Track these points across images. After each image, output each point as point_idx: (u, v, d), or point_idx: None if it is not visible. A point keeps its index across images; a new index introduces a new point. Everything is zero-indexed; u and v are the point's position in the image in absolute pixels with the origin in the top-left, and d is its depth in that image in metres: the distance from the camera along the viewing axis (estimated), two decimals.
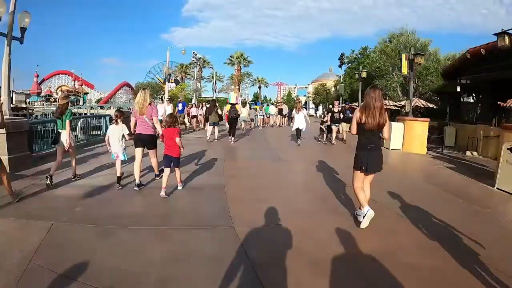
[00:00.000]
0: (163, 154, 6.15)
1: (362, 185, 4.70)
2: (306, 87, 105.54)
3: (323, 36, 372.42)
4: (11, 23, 7.87)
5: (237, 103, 16.34)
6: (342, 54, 54.04)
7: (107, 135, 6.63)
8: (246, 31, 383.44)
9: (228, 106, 15.26)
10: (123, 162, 6.64)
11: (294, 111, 15.56)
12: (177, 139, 6.01)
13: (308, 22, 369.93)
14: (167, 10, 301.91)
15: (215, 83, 68.25)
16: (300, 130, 14.20)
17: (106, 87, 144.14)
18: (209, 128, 14.82)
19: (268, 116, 27.97)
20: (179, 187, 6.44)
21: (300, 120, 14.11)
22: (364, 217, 4.53)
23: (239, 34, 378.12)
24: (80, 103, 73.01)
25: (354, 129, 4.63)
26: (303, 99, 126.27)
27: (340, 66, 44.92)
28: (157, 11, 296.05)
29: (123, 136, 6.54)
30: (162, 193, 5.86)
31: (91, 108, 53.05)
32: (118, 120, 6.50)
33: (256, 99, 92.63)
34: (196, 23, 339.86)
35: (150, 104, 6.47)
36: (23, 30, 8.34)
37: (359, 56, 46.31)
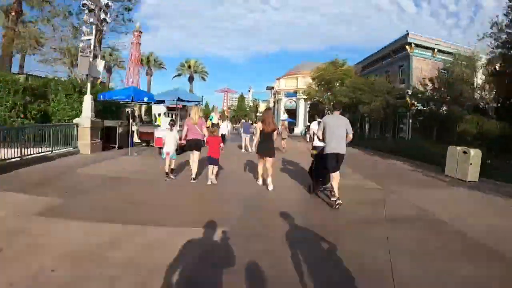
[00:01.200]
0: (208, 156, 8.09)
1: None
2: (271, 88, 67.70)
3: (270, 49, 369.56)
4: None
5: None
6: None
7: (164, 138, 8.93)
8: (193, 41, 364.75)
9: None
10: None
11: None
12: (221, 145, 8.30)
13: (256, 35, 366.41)
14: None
15: None
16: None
17: None
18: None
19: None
20: (213, 180, 8.12)
21: None
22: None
23: (186, 45, 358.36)
24: None
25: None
26: (262, 106, 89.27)
27: None
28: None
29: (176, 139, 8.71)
30: (209, 182, 7.99)
31: None
32: (173, 128, 8.81)
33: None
34: (145, 30, 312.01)
35: (200, 117, 8.58)
36: None
37: None
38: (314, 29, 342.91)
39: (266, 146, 7.71)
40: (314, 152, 7.43)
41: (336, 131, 6.33)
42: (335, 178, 6.32)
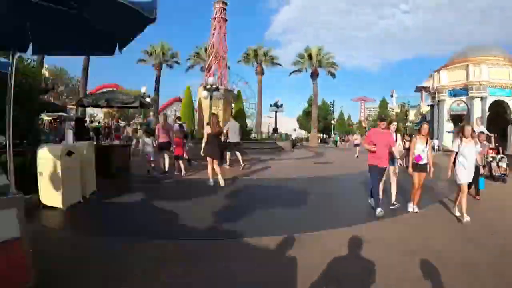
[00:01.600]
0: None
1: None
2: (422, 88, 50.97)
3: (405, 57, 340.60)
4: None
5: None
6: None
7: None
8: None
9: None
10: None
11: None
12: None
13: (390, 42, 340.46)
14: (249, 35, 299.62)
15: None
16: None
17: None
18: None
19: None
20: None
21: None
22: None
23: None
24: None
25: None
26: (411, 113, 70.88)
27: None
28: (240, 36, 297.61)
29: None
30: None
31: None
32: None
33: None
34: (278, 46, 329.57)
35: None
36: None
37: None
38: (451, 30, 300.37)
39: (211, 148, 8.72)
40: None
41: (233, 131, 12.50)
42: (238, 154, 12.74)
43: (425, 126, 6.37)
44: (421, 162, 6.17)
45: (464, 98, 35.57)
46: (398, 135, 7.67)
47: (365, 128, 75.64)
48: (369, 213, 6.10)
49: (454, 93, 36.54)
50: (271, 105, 36.07)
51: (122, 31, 2.90)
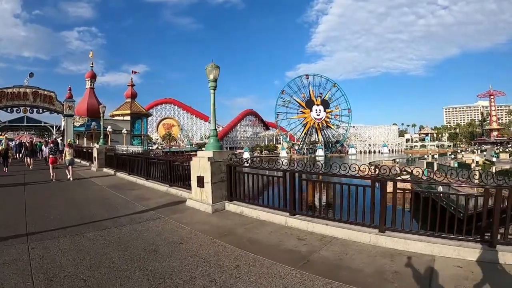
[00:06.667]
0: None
1: None
2: None
3: (450, 54, 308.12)
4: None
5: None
6: None
7: None
8: (370, 59, 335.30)
9: None
10: None
11: None
12: None
13: (432, 41, 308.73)
14: (292, 49, 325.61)
15: None
16: None
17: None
18: None
19: None
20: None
21: None
22: None
23: (363, 64, 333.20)
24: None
25: None
26: None
27: None
28: (283, 50, 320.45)
29: None
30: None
31: None
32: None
33: None
34: (320, 57, 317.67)
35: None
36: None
37: None
38: (497, 19, 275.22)
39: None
40: None
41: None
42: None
43: None
44: None
45: None
46: None
47: None
48: None
49: None
50: None
51: None
